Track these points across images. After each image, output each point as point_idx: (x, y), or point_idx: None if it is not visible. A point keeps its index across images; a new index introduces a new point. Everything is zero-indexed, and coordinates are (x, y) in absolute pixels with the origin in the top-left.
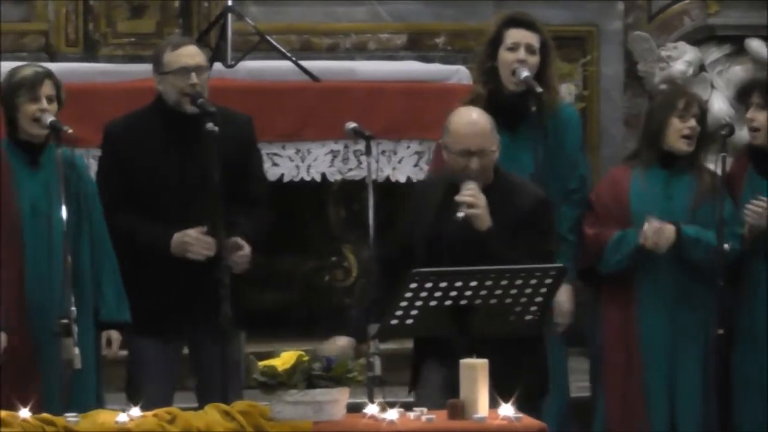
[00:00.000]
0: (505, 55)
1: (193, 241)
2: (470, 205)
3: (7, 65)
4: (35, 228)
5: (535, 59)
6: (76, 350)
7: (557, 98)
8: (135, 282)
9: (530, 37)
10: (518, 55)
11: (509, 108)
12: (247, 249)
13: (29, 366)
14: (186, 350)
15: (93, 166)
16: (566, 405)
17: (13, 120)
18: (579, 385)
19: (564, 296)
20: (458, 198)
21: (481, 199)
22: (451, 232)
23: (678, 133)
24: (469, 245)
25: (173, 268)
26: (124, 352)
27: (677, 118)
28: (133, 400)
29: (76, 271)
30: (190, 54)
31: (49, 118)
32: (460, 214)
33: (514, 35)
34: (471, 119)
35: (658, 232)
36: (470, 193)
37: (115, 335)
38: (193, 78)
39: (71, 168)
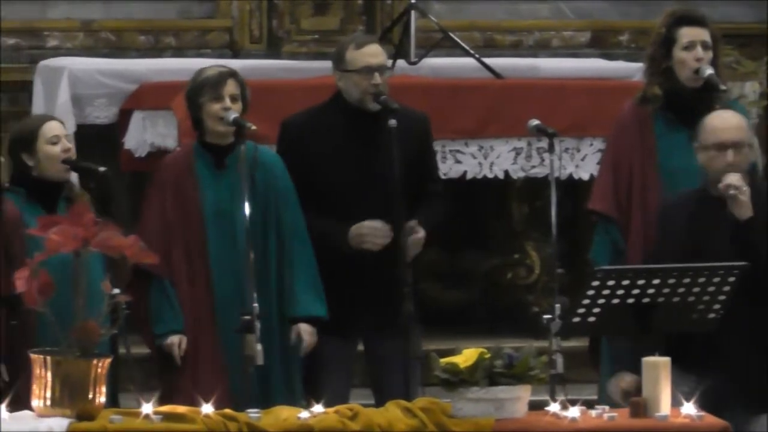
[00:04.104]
0: (682, 55)
1: (369, 231)
2: (735, 188)
3: (191, 62)
4: (219, 228)
5: (710, 55)
6: (259, 346)
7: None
8: None
9: (704, 34)
10: (696, 53)
11: (689, 106)
12: (421, 233)
13: (215, 363)
14: (361, 347)
15: None
16: None
17: (199, 121)
18: None
19: None
20: (725, 179)
21: (745, 187)
22: (711, 249)
23: None
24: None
25: (353, 265)
26: None
27: None
28: (310, 396)
29: (263, 270)
30: (374, 53)
31: (232, 116)
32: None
33: (689, 33)
34: (724, 115)
35: None
36: (737, 178)
37: (306, 328)
38: (377, 78)
39: (258, 165)
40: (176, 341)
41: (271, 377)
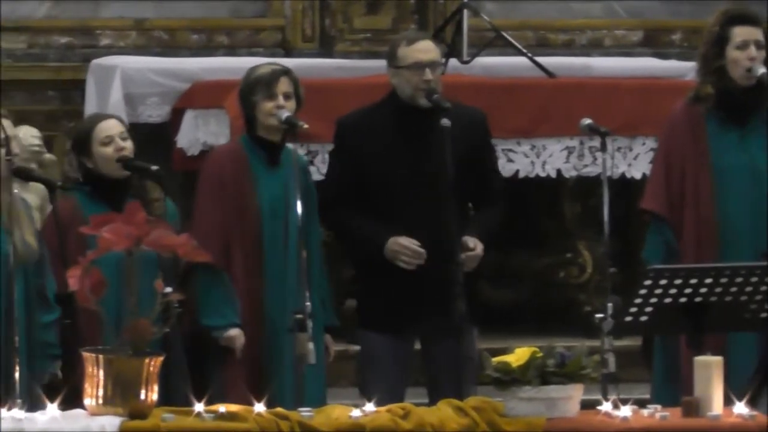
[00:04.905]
0: (735, 54)
1: (404, 250)
2: None
3: (244, 61)
4: (273, 226)
5: (763, 54)
6: (311, 345)
7: None
8: (369, 277)
9: (757, 33)
10: (750, 52)
11: (741, 105)
12: (479, 249)
13: (264, 361)
14: (418, 346)
15: None
16: None
17: (251, 118)
18: None
19: None
20: None
21: None
22: None
23: None
24: None
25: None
26: (357, 347)
27: None
28: (365, 395)
29: (309, 268)
30: (425, 49)
31: (285, 114)
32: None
33: (742, 33)
34: None
35: None
36: None
37: (329, 338)
38: (428, 74)
39: (301, 166)
40: (237, 334)
41: (319, 376)
